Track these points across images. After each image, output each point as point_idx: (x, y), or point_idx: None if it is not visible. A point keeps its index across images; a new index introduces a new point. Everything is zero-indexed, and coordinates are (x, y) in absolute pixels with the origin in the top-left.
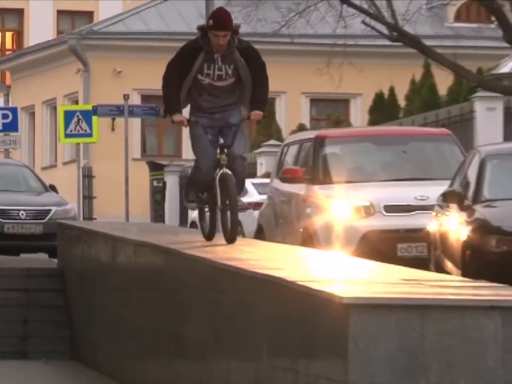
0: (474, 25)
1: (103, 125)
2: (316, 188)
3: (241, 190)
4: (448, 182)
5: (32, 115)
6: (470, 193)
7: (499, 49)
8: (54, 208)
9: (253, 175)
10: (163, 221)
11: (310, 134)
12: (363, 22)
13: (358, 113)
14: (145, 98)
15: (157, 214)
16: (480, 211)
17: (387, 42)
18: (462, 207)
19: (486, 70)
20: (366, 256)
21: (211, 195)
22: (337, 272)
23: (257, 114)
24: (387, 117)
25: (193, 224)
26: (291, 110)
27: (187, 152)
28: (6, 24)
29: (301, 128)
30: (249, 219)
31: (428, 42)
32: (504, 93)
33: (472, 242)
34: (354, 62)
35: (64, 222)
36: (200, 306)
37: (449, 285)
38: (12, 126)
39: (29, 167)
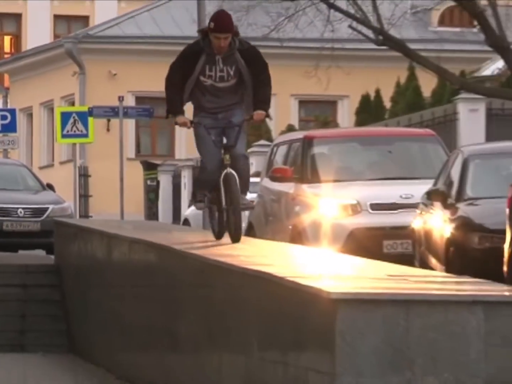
0: (457, 29)
1: (99, 126)
2: (305, 187)
3: (246, 189)
4: (432, 181)
5: (30, 116)
6: (454, 191)
7: (481, 52)
8: (51, 206)
9: None
10: (156, 218)
11: (299, 135)
12: (350, 26)
13: (345, 115)
14: (139, 99)
15: (151, 212)
16: (463, 209)
17: (373, 46)
18: (445, 205)
19: (468, 73)
20: (353, 252)
21: (217, 195)
22: (325, 268)
23: (260, 114)
24: (373, 118)
25: (186, 222)
26: (280, 112)
27: (180, 152)
28: (5, 28)
29: (290, 129)
30: None
31: (412, 46)
32: (486, 95)
33: (456, 239)
34: (342, 65)
35: (61, 220)
36: (192, 301)
37: (433, 281)
38: (10, 127)
39: (27, 166)
